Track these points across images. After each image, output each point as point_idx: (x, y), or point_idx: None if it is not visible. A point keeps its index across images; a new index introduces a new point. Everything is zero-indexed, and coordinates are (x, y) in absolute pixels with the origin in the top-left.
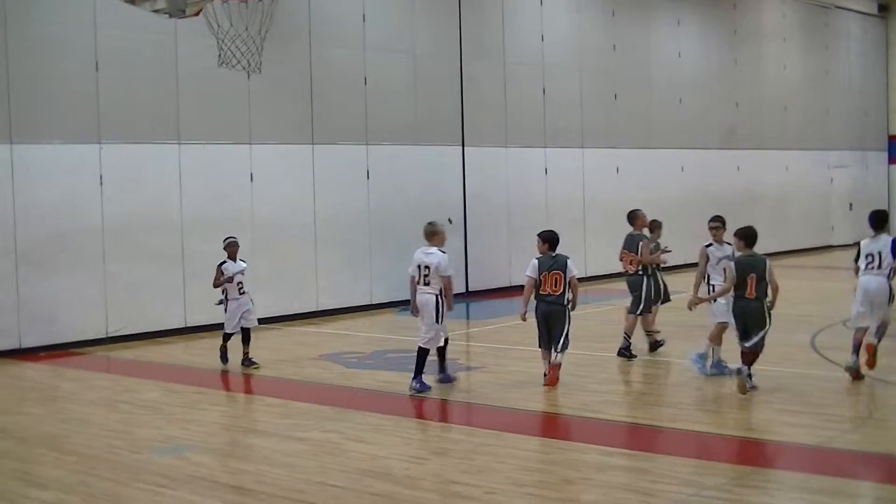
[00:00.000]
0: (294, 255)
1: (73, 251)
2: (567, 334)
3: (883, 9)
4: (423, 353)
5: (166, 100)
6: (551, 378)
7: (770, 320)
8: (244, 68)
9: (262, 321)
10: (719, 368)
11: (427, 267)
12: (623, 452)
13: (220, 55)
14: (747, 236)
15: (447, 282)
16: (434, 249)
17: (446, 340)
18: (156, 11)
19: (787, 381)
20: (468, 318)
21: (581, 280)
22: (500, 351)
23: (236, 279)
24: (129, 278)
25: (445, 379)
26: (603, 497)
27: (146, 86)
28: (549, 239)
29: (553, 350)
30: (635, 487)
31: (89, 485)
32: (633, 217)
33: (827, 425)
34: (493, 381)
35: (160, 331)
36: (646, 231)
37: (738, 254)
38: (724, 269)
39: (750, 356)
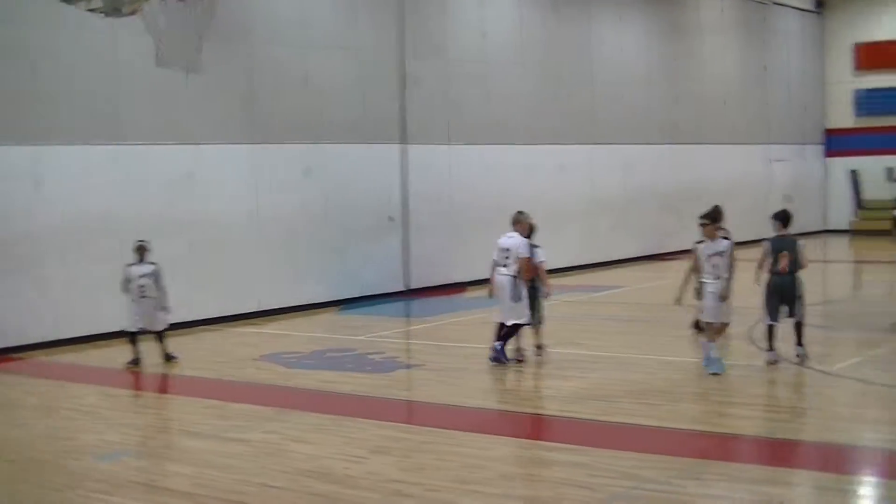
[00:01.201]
0: (235, 255)
1: (10, 256)
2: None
3: (819, 5)
4: (502, 327)
5: (106, 100)
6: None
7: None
8: (182, 68)
9: (203, 322)
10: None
11: (507, 249)
12: (564, 447)
13: (157, 54)
14: (783, 218)
15: (524, 263)
16: (515, 234)
17: (518, 326)
18: (91, 11)
19: (726, 374)
20: (409, 315)
21: None
22: (442, 348)
23: (137, 282)
24: (69, 281)
25: (497, 357)
26: (545, 492)
27: (84, 86)
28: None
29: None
30: (576, 482)
31: (25, 493)
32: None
33: (766, 416)
34: (435, 379)
35: (99, 334)
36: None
37: (773, 234)
38: (716, 266)
39: (799, 329)
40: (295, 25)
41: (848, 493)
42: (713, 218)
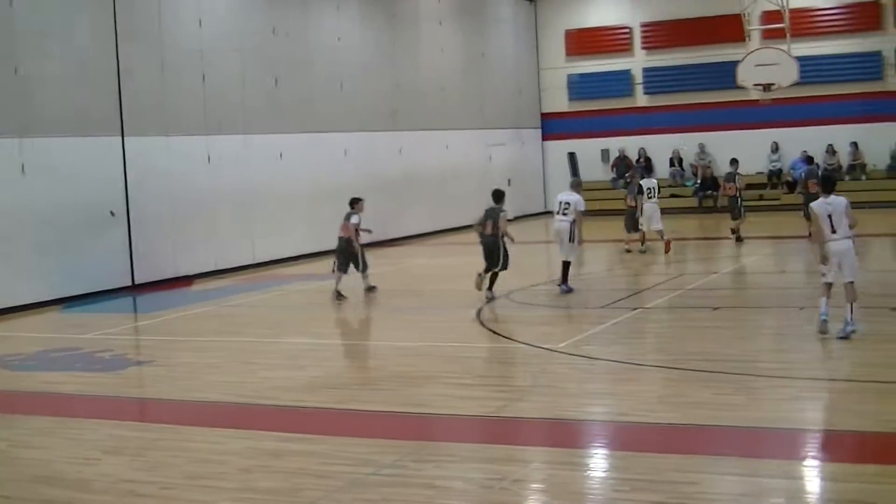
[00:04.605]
0: None
1: None
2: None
3: None
4: (566, 265)
5: None
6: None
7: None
8: None
9: None
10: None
11: (568, 203)
12: (299, 437)
13: None
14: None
15: (580, 216)
16: (574, 192)
17: (569, 263)
18: None
19: (457, 355)
20: (136, 311)
21: (249, 267)
22: (170, 343)
23: None
24: None
25: (567, 289)
26: (281, 483)
27: None
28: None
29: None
30: (313, 471)
31: None
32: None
33: (495, 395)
34: (164, 375)
35: None
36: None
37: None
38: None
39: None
40: (1, 13)
41: (579, 466)
42: (496, 198)
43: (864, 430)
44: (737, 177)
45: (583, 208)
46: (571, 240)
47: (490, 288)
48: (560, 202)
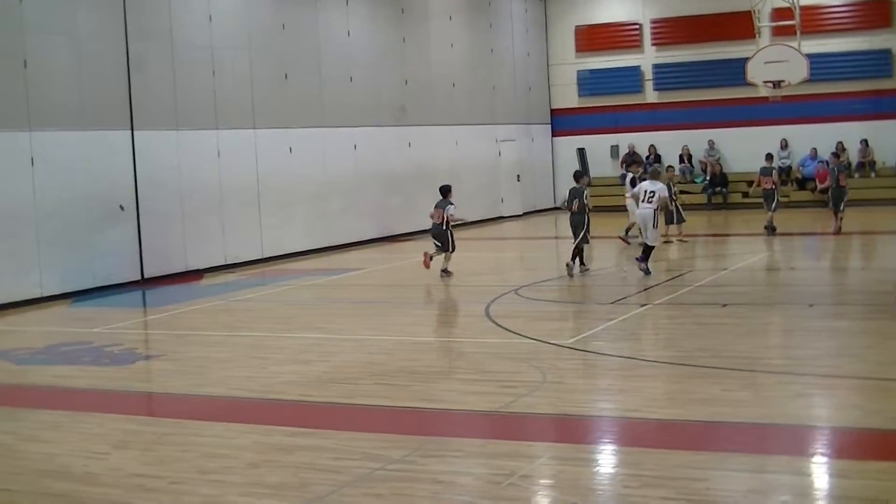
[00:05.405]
0: None
1: None
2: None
3: None
4: (649, 249)
5: None
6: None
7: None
8: None
9: None
10: None
11: (652, 192)
12: (307, 432)
13: None
14: None
15: (664, 202)
16: (658, 182)
17: (651, 247)
18: None
19: (465, 351)
20: (145, 305)
21: (259, 261)
22: (180, 337)
23: None
24: None
25: (646, 270)
26: (289, 478)
27: None
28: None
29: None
30: (321, 466)
31: None
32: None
33: (503, 391)
34: (174, 369)
35: None
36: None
37: None
38: None
39: None
40: (7, 6)
41: (585, 462)
42: (576, 177)
43: (871, 426)
44: (773, 171)
45: (666, 195)
46: (655, 226)
47: (581, 261)
48: (645, 191)
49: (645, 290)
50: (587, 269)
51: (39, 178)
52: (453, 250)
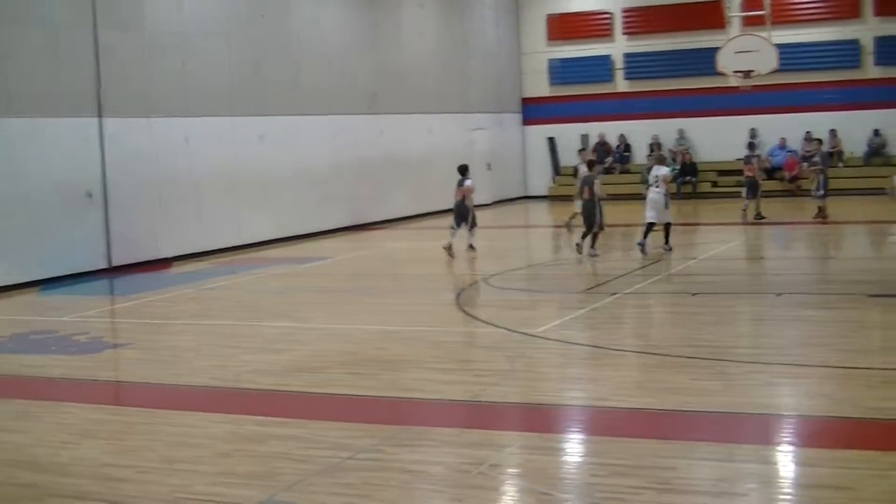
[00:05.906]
0: None
1: None
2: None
3: None
4: (669, 227)
5: None
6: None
7: None
8: None
9: None
10: None
11: (658, 176)
12: (277, 421)
13: None
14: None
15: (671, 185)
16: (663, 166)
17: (669, 224)
18: None
19: (435, 340)
20: (112, 293)
21: (230, 249)
22: (150, 326)
23: None
24: None
25: (668, 249)
26: (259, 467)
27: None
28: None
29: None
30: (291, 455)
31: None
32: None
33: (473, 380)
34: (143, 358)
35: None
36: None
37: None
38: None
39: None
40: None
41: (555, 451)
42: (589, 166)
43: (839, 415)
44: (755, 159)
45: (670, 177)
46: (666, 206)
47: (592, 246)
48: (656, 176)
49: (615, 279)
50: (596, 255)
51: (6, 165)
52: (474, 225)
